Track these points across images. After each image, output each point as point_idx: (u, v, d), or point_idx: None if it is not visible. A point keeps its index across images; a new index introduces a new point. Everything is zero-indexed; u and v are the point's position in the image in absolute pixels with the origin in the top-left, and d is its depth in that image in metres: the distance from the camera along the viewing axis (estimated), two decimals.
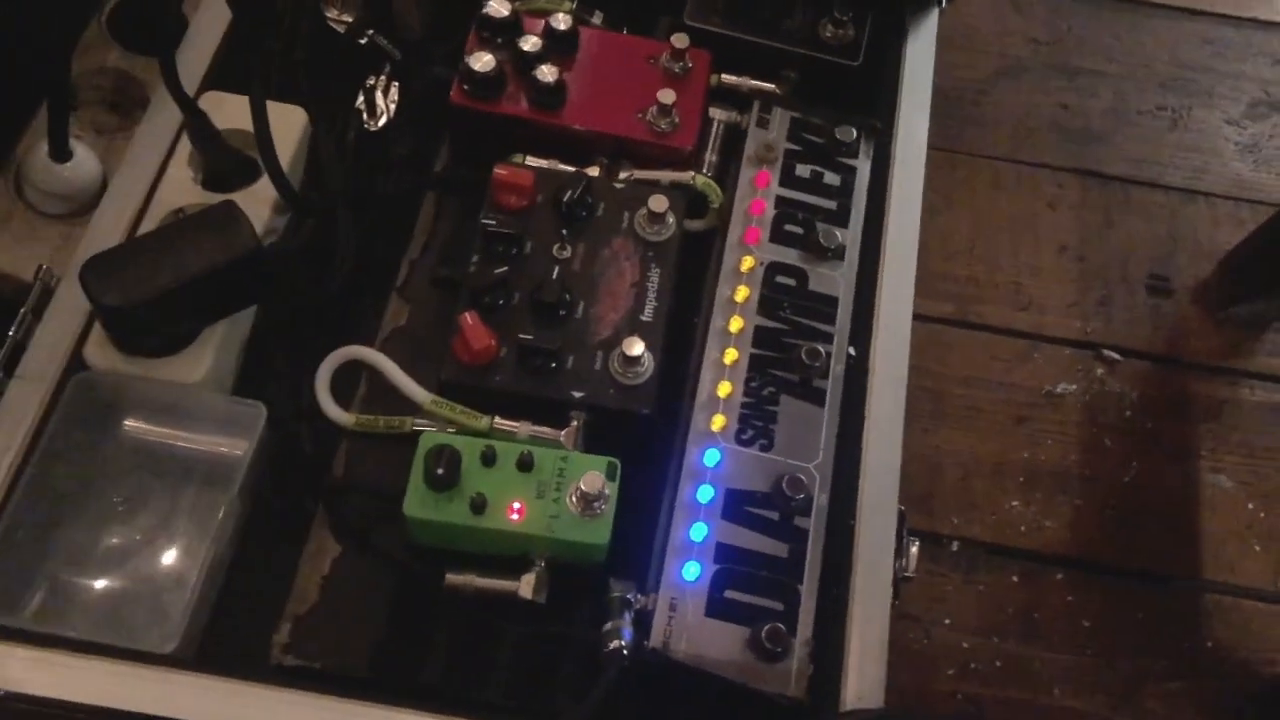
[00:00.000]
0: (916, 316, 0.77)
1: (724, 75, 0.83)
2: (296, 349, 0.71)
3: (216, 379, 0.68)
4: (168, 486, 0.65)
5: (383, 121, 0.84)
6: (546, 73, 0.75)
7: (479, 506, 0.59)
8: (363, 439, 0.68)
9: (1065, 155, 1.08)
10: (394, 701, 0.56)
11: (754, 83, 0.83)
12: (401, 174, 0.80)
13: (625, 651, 0.56)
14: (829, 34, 0.84)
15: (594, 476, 0.59)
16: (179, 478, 0.66)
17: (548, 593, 0.60)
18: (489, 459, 0.61)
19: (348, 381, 0.69)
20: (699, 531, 0.62)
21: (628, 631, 0.57)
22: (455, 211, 0.79)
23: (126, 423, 0.67)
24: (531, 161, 0.75)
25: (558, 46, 0.78)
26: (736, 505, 0.64)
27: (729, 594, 0.60)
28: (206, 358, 0.67)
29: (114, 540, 0.63)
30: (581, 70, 0.78)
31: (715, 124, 0.82)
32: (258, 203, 0.73)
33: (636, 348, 0.65)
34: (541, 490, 0.61)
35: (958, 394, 0.91)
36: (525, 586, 0.60)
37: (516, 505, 0.60)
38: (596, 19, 0.84)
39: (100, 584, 0.62)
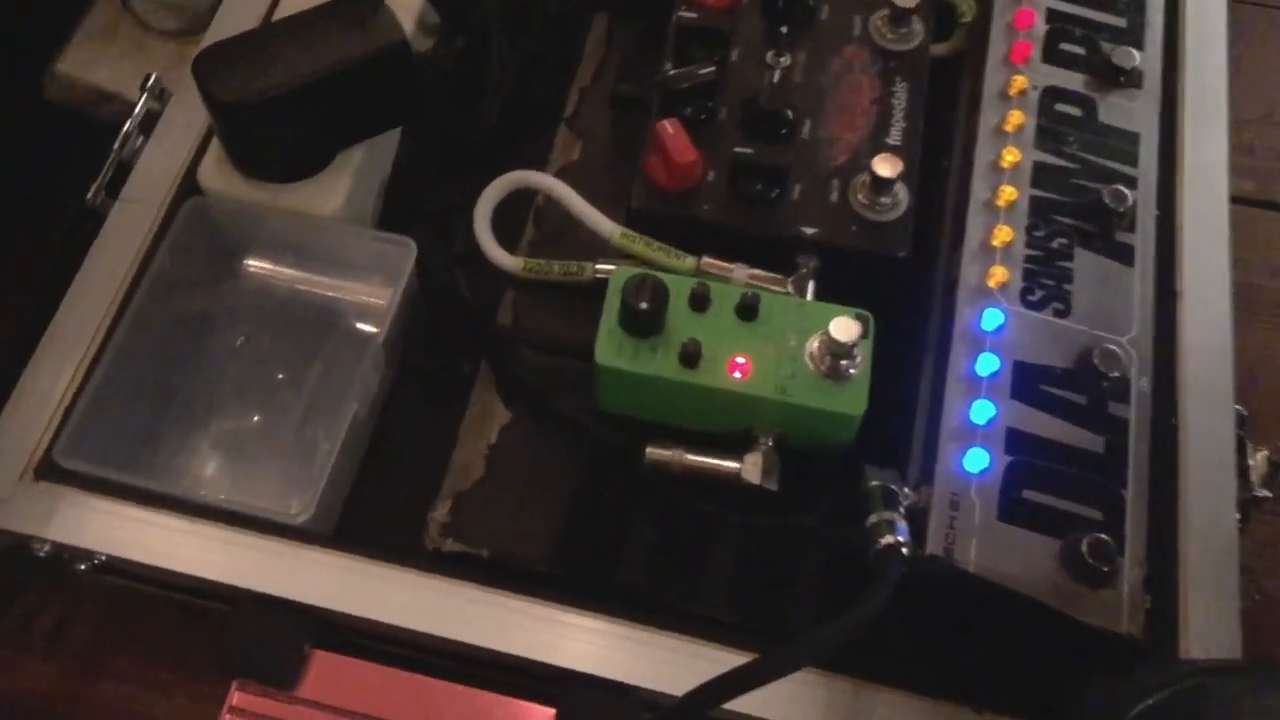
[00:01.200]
0: None
1: None
2: (448, 188, 0.60)
3: (354, 213, 0.57)
4: (298, 334, 0.55)
5: None
6: None
7: (691, 357, 0.46)
8: (532, 289, 0.55)
9: None
10: (581, 604, 0.44)
11: None
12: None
13: (905, 550, 0.42)
14: None
15: (847, 323, 0.45)
16: (312, 324, 0.55)
17: (779, 479, 0.47)
18: (701, 301, 0.47)
19: (510, 224, 0.57)
20: (982, 411, 0.47)
21: (902, 527, 0.43)
22: (632, 34, 0.66)
23: (249, 261, 0.57)
24: None
25: None
26: (1029, 382, 0.48)
27: (1028, 494, 0.46)
28: (343, 185, 0.56)
29: (235, 392, 0.53)
30: None
31: None
32: (399, 14, 0.62)
33: (890, 166, 0.50)
34: (770, 343, 0.47)
35: (1272, 288, 0.73)
36: (750, 468, 0.46)
37: (740, 359, 0.46)
38: None
39: (219, 440, 0.51)
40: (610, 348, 0.46)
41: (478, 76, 0.63)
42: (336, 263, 0.56)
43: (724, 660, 0.42)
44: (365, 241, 0.55)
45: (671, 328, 0.47)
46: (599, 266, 0.54)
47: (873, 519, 0.43)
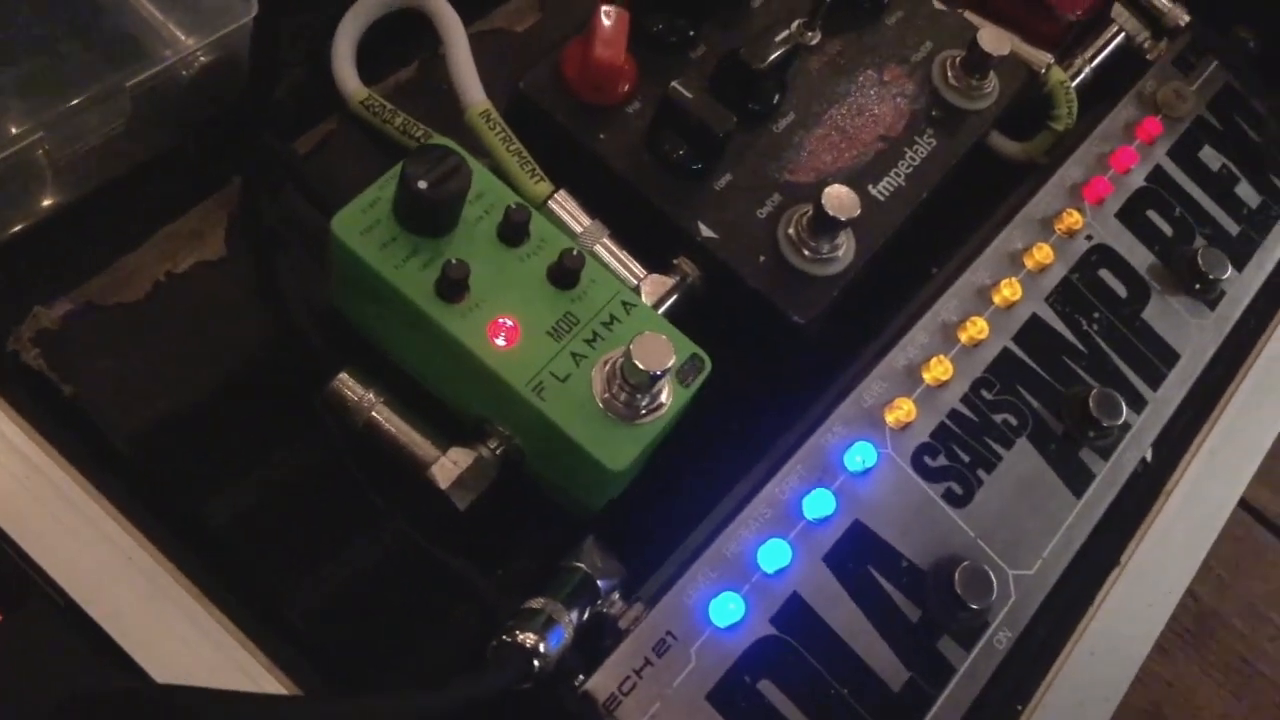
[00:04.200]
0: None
1: None
2: None
3: None
4: (57, 29, 0.45)
5: None
6: None
7: (452, 286, 0.35)
8: (358, 131, 0.46)
9: None
10: (133, 515, 0.34)
11: (1187, 16, 0.59)
12: None
13: (536, 662, 0.31)
14: None
15: (661, 349, 0.34)
16: (83, 29, 0.46)
17: (475, 499, 0.36)
18: (515, 231, 0.37)
19: (391, 55, 0.48)
20: (774, 556, 0.37)
21: (559, 634, 0.32)
22: None
23: None
24: None
25: None
26: (858, 554, 0.38)
27: (764, 687, 0.35)
28: None
29: None
30: None
31: (1112, 29, 0.58)
32: None
33: (842, 205, 0.40)
34: (564, 328, 0.37)
35: (1236, 627, 0.62)
36: (446, 466, 0.36)
37: (508, 322, 0.36)
38: None
39: None
40: (359, 219, 0.36)
41: None
42: None
43: (246, 668, 0.31)
44: None
45: (456, 241, 0.37)
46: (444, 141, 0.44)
47: (534, 604, 0.33)
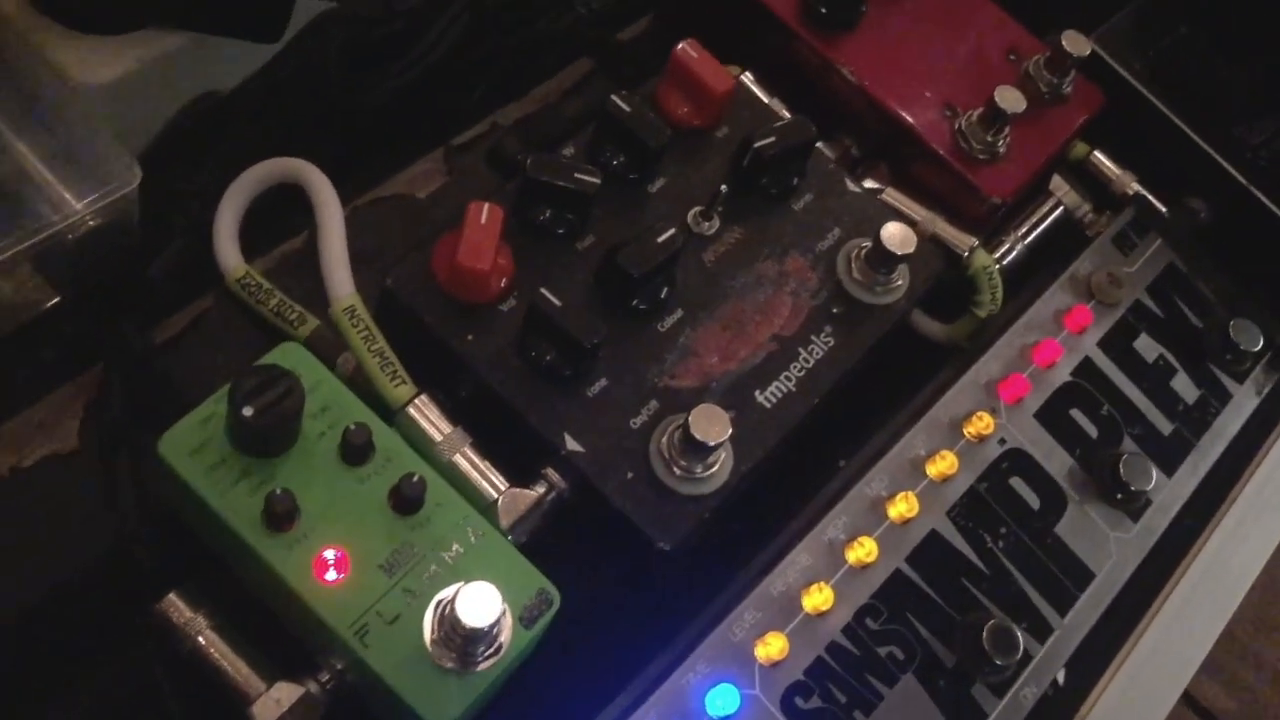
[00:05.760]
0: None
1: (1097, 152, 0.58)
2: (265, 143, 0.50)
3: (120, 115, 0.48)
4: None
5: None
6: None
7: (278, 517, 0.34)
8: (233, 311, 0.45)
9: None
10: None
11: (1138, 186, 0.58)
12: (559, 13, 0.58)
13: None
14: None
15: (488, 598, 0.33)
16: None
17: None
18: (354, 451, 0.36)
19: (281, 226, 0.48)
20: None
21: None
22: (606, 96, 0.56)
23: None
24: (747, 79, 0.52)
25: None
26: None
27: None
28: (125, 61, 0.47)
29: None
30: (900, 8, 0.54)
31: (1051, 201, 0.57)
32: None
33: (712, 427, 0.38)
34: (399, 561, 0.35)
35: None
36: (268, 705, 0.34)
37: (336, 555, 0.35)
38: None
39: None
40: (189, 439, 0.35)
41: (400, 41, 0.53)
42: (46, 140, 0.47)
43: None
44: (95, 137, 0.46)
45: (293, 462, 0.36)
46: (317, 329, 0.43)
47: None
